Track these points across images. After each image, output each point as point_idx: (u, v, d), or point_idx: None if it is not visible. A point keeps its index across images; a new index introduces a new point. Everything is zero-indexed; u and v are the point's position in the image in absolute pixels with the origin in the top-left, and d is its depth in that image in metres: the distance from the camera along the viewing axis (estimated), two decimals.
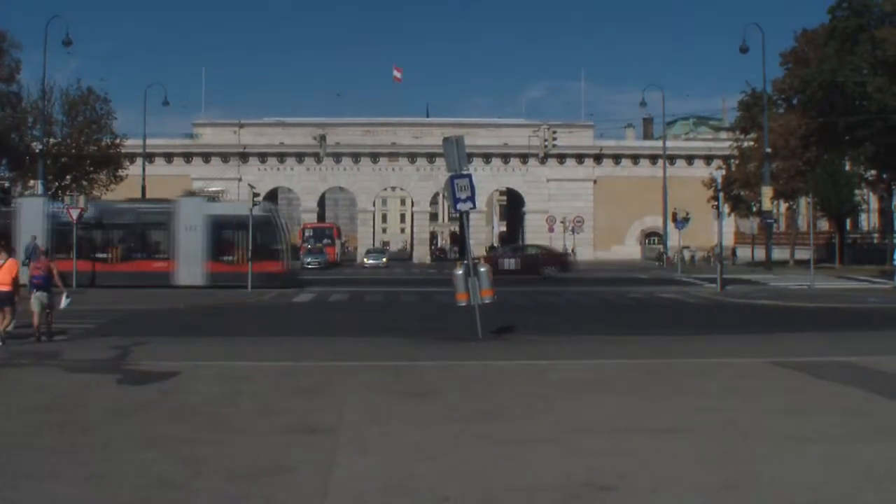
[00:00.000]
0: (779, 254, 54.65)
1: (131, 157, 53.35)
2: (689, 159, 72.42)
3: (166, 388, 11.26)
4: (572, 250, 55.66)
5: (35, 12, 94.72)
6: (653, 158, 70.13)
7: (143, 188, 52.55)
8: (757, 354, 14.11)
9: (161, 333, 18.29)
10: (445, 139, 17.86)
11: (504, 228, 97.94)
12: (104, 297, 26.73)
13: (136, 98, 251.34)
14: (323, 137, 67.78)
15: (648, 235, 73.00)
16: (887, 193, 55.81)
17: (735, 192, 52.48)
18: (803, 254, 47.11)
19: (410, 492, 6.60)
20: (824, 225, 59.76)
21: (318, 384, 11.41)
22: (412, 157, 72.48)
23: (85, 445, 8.07)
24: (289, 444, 8.05)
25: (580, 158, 72.69)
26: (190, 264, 32.40)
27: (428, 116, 79.60)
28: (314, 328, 20.34)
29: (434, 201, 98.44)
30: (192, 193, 37.80)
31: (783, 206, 62.61)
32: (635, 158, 73.37)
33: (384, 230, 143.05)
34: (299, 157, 71.58)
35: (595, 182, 72.82)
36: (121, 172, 50.24)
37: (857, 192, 52.44)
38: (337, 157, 71.50)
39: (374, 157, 72.58)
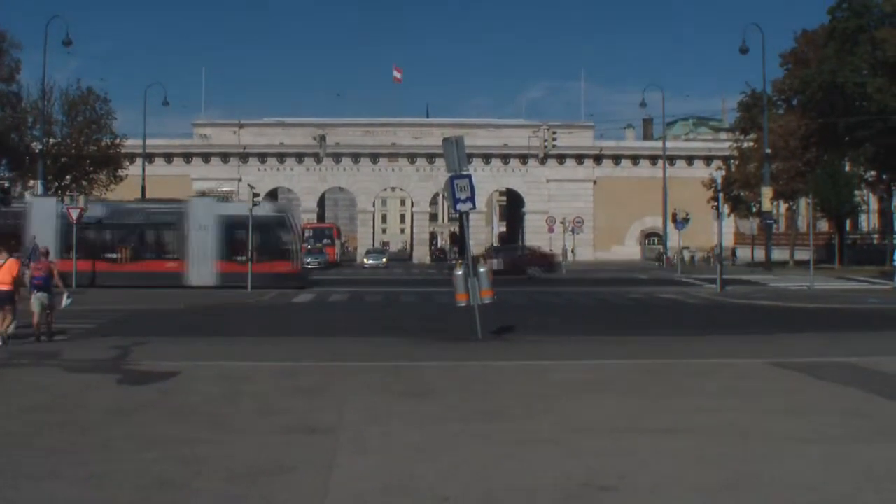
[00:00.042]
0: (778, 254, 54.65)
1: (131, 157, 53.40)
2: (689, 160, 72.45)
3: (166, 388, 11.26)
4: (572, 251, 55.71)
5: (35, 12, 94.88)
6: (653, 159, 70.15)
7: (143, 188, 52.58)
8: (757, 355, 14.11)
9: (161, 333, 18.29)
10: (445, 139, 17.86)
11: (504, 229, 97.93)
12: (104, 297, 26.73)
13: (136, 98, 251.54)
14: (323, 138, 67.81)
15: (648, 236, 73.03)
16: (887, 194, 55.82)
17: (735, 193, 52.51)
18: (803, 254, 47.13)
19: (410, 492, 6.60)
20: (824, 226, 59.79)
21: (318, 384, 11.41)
22: (412, 157, 72.50)
23: (85, 445, 8.07)
24: (289, 444, 8.05)
25: (580, 159, 72.70)
26: (201, 264, 32.41)
27: (428, 117, 79.65)
28: (314, 328, 20.34)
29: (434, 202, 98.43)
30: (203, 194, 37.75)
31: (783, 206, 62.64)
32: (635, 159, 73.38)
33: (384, 230, 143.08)
34: (299, 157, 71.60)
35: (595, 182, 72.84)
36: (120, 172, 50.29)
37: (856, 192, 52.47)
38: (337, 157, 71.51)
39: (374, 157, 72.59)
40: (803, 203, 52.16)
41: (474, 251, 65.07)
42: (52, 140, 45.87)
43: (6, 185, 45.14)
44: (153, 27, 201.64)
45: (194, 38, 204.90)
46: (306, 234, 64.20)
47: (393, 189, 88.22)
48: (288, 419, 9.18)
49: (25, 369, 13.19)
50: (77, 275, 31.49)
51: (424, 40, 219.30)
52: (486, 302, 16.88)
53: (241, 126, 72.74)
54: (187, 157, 71.38)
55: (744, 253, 62.49)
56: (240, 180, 67.21)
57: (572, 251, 55.99)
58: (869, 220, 70.18)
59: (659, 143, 66.71)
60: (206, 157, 71.35)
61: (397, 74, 76.99)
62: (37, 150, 43.26)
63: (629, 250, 71.10)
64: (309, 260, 53.48)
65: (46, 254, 18.42)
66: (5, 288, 16.00)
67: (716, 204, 37.80)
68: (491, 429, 8.72)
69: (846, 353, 14.17)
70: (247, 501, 6.38)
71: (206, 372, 12.46)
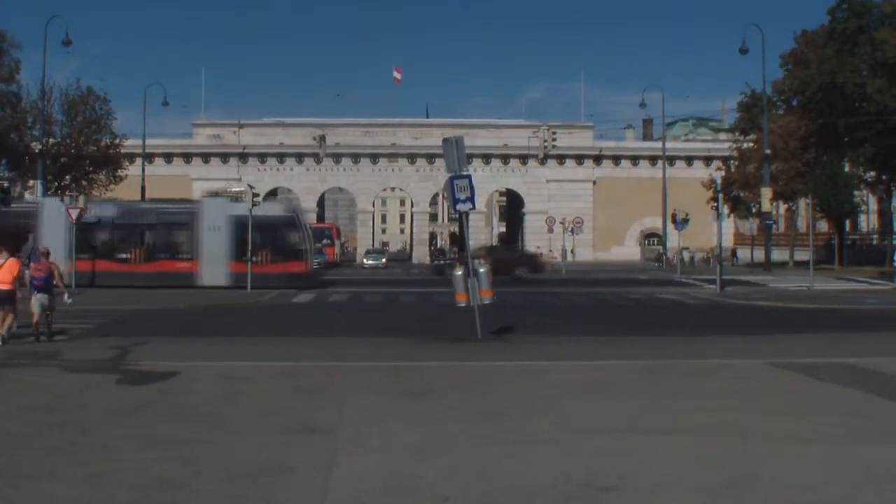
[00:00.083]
0: (778, 255, 54.68)
1: (131, 158, 53.42)
2: (689, 160, 72.46)
3: (166, 388, 11.26)
4: (571, 251, 55.69)
5: (35, 12, 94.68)
6: (652, 159, 70.16)
7: (143, 188, 52.61)
8: (756, 355, 14.11)
9: (161, 333, 18.30)
10: (445, 140, 17.87)
11: (504, 229, 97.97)
12: (104, 297, 26.73)
13: (135, 98, 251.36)
14: (322, 138, 67.81)
15: (648, 236, 73.06)
16: (886, 195, 55.84)
17: (734, 194, 52.54)
18: (803, 255, 47.17)
19: (410, 492, 6.60)
20: (824, 226, 59.82)
21: (317, 384, 11.41)
22: (412, 157, 72.51)
23: (85, 445, 8.07)
24: (289, 445, 8.05)
25: (580, 159, 72.72)
26: (213, 265, 32.36)
27: (428, 117, 79.65)
28: (314, 328, 20.34)
29: (434, 202, 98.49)
30: (215, 194, 37.75)
31: (783, 207, 62.69)
32: (635, 159, 73.40)
33: (384, 231, 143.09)
34: (299, 157, 71.60)
35: (595, 183, 72.86)
36: (120, 172, 50.28)
37: (856, 193, 52.52)
38: (336, 157, 71.51)
39: (374, 157, 72.60)
40: (803, 204, 52.21)
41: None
42: (51, 140, 45.87)
43: (6, 185, 45.22)
44: (153, 27, 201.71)
45: (194, 38, 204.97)
46: None
47: (393, 189, 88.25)
48: (288, 419, 9.18)
49: (25, 369, 13.19)
50: (88, 275, 31.58)
51: (424, 40, 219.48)
52: (486, 302, 16.88)
53: (240, 126, 72.77)
54: (187, 157, 71.40)
55: (743, 253, 62.54)
56: (239, 180, 67.18)
57: (572, 252, 55.96)
58: (868, 221, 70.21)
59: (659, 144, 66.74)
60: (206, 157, 71.38)
61: (397, 75, 77.07)
62: (36, 150, 43.26)
63: (629, 251, 71.13)
64: None
65: (47, 254, 18.40)
66: (6, 287, 16.03)
67: (715, 204, 37.83)
68: (491, 429, 8.72)
69: (846, 354, 14.17)
70: (247, 501, 6.38)
71: (205, 372, 12.46)
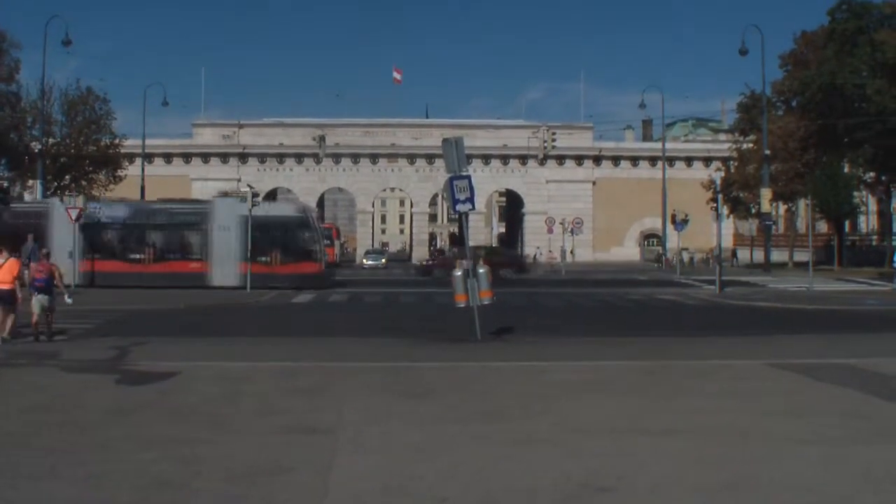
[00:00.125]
0: (777, 256, 54.68)
1: (130, 158, 53.34)
2: (689, 161, 72.47)
3: (165, 388, 11.26)
4: (571, 252, 55.72)
5: (34, 12, 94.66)
6: (652, 160, 70.17)
7: (143, 188, 52.60)
8: (756, 356, 14.12)
9: (160, 334, 18.29)
10: (445, 140, 17.87)
11: (503, 230, 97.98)
12: (105, 297, 26.72)
13: (135, 98, 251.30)
14: (322, 138, 67.78)
15: (647, 237, 73.07)
16: (886, 195, 55.87)
17: (734, 194, 52.52)
18: (802, 256, 47.16)
19: (410, 492, 6.61)
20: (823, 227, 59.82)
21: (317, 384, 11.41)
22: (411, 157, 72.50)
23: (84, 445, 8.07)
24: (288, 445, 8.06)
25: (579, 160, 72.72)
26: (224, 265, 32.22)
27: (427, 117, 79.68)
28: (313, 329, 20.34)
29: (433, 202, 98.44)
30: (225, 194, 37.69)
31: (782, 208, 62.70)
32: (634, 160, 73.41)
33: (383, 231, 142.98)
34: (298, 157, 71.59)
35: (594, 183, 72.86)
36: (120, 172, 50.21)
37: (855, 194, 52.54)
38: (336, 157, 71.50)
39: (374, 157, 72.60)
40: (802, 204, 52.25)
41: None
42: (51, 140, 45.81)
43: (5, 184, 45.34)
44: (153, 27, 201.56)
45: (194, 38, 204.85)
46: None
47: (392, 190, 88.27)
48: (287, 419, 9.19)
49: (24, 369, 13.19)
50: (98, 275, 31.57)
51: (424, 40, 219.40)
52: (485, 303, 16.89)
53: (240, 126, 72.78)
54: (186, 157, 71.40)
55: (743, 254, 62.55)
56: (239, 181, 67.23)
57: (571, 252, 55.98)
58: (868, 222, 70.25)
59: (658, 145, 66.77)
60: (206, 157, 71.38)
61: (397, 75, 77.06)
62: (36, 150, 43.22)
63: (628, 251, 71.13)
64: None
65: (48, 255, 18.40)
66: (6, 287, 16.06)
67: (715, 205, 37.82)
68: (490, 429, 8.72)
69: (845, 355, 14.17)
70: (246, 501, 6.39)
71: (205, 372, 12.46)
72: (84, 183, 48.09)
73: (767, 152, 46.48)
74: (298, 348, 15.89)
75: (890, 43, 43.13)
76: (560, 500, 6.41)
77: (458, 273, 17.00)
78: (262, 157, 71.79)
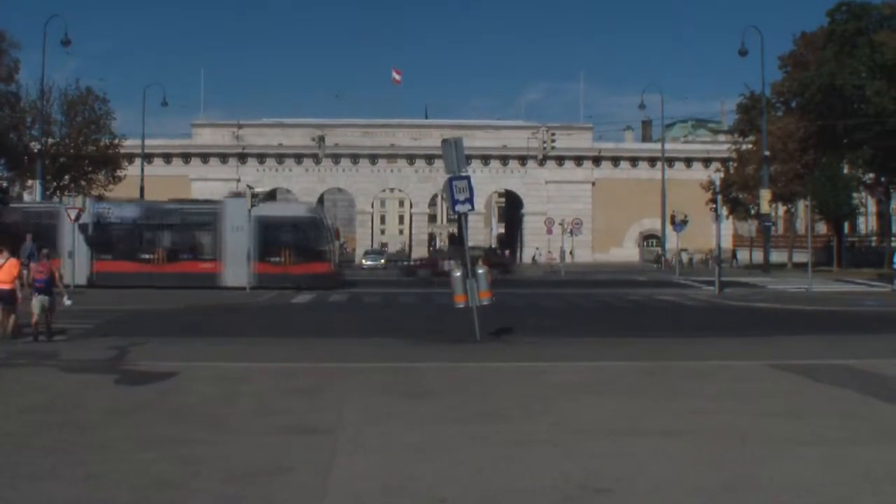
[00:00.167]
0: (777, 257, 54.71)
1: (130, 158, 53.36)
2: (688, 162, 72.50)
3: (165, 388, 11.26)
4: (570, 252, 55.75)
5: (34, 12, 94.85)
6: (651, 161, 70.21)
7: (142, 188, 52.61)
8: (755, 357, 14.13)
9: (160, 334, 18.29)
10: (444, 141, 17.86)
11: (503, 230, 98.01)
12: (105, 297, 26.73)
13: (135, 98, 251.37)
14: (322, 138, 67.79)
15: (647, 238, 73.10)
16: (885, 197, 55.90)
17: (733, 195, 52.56)
18: (801, 257, 47.20)
19: (409, 493, 6.61)
20: (822, 228, 59.89)
21: (317, 385, 11.41)
22: (411, 158, 72.51)
23: (83, 445, 8.07)
24: (287, 445, 8.06)
25: (579, 160, 72.75)
26: (236, 265, 32.10)
27: (427, 118, 79.71)
28: (313, 329, 20.34)
29: (432, 203, 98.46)
30: (238, 194, 37.72)
31: (781, 209, 62.75)
32: (634, 161, 73.45)
33: (382, 231, 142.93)
34: (298, 158, 71.60)
35: (593, 184, 72.89)
36: (119, 173, 50.27)
37: (855, 195, 52.54)
38: (335, 158, 71.50)
39: (373, 158, 72.61)
40: (802, 205, 52.26)
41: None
42: (50, 140, 45.83)
43: (4, 184, 45.34)
44: (153, 27, 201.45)
45: (194, 38, 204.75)
46: None
47: (392, 190, 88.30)
48: (287, 419, 9.19)
49: (24, 369, 13.19)
50: (109, 275, 31.56)
51: (424, 41, 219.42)
52: (485, 303, 16.88)
53: (239, 126, 72.78)
54: (186, 157, 71.42)
55: (742, 255, 62.58)
56: (238, 181, 67.27)
57: (571, 253, 56.03)
58: (867, 223, 70.34)
59: (658, 145, 66.82)
60: (205, 157, 71.41)
61: (396, 76, 77.04)
62: (35, 150, 43.22)
63: (627, 252, 71.15)
64: None
65: (48, 255, 18.41)
66: (7, 287, 16.08)
67: (714, 206, 37.84)
68: (489, 430, 8.72)
69: (844, 356, 14.18)
70: (245, 502, 6.39)
71: (204, 372, 12.46)
72: (83, 183, 48.13)
73: (767, 153, 46.50)
74: (298, 348, 15.90)
75: (889, 44, 43.17)
76: (559, 500, 6.41)
77: (458, 274, 17.00)
78: (261, 158, 71.79)
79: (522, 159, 72.08)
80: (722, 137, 77.92)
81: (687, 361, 13.90)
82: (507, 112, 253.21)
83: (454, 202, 17.31)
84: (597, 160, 73.04)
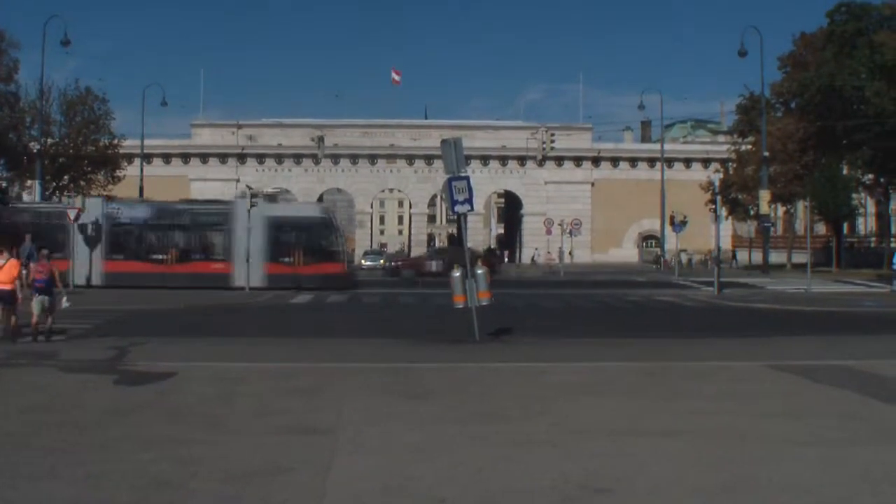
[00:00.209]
0: (776, 257, 54.73)
1: (129, 158, 53.34)
2: (687, 162, 72.53)
3: (163, 388, 11.26)
4: (569, 253, 55.75)
5: (34, 12, 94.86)
6: (651, 161, 70.25)
7: (141, 189, 52.61)
8: (754, 358, 14.13)
9: (159, 334, 18.28)
10: (443, 141, 17.86)
11: (502, 231, 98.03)
12: (105, 297, 26.75)
13: (134, 98, 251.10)
14: (321, 139, 67.75)
15: (646, 238, 73.15)
16: (884, 197, 55.94)
17: (733, 196, 52.59)
18: (801, 257, 47.22)
19: (408, 493, 6.61)
20: (822, 229, 59.91)
21: (316, 385, 11.41)
22: (410, 158, 72.52)
23: (82, 445, 8.08)
24: (286, 445, 8.06)
25: (578, 161, 72.77)
26: (249, 266, 32.01)
27: (426, 118, 79.75)
28: (313, 329, 20.34)
29: (432, 203, 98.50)
30: (253, 194, 37.70)
31: (781, 209, 62.76)
32: (633, 161, 73.47)
33: (382, 232, 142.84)
34: (297, 158, 71.60)
35: (593, 185, 72.92)
36: (118, 173, 50.25)
37: (854, 196, 52.55)
38: (335, 158, 71.50)
39: (372, 158, 72.62)
40: (801, 206, 52.29)
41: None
42: (49, 140, 45.80)
43: (4, 184, 45.33)
44: (152, 27, 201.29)
45: (194, 38, 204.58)
46: None
47: (391, 190, 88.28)
48: (286, 420, 9.19)
49: (23, 369, 13.19)
50: (121, 276, 31.57)
51: (423, 41, 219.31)
52: (484, 304, 16.89)
53: (239, 127, 72.80)
54: (185, 157, 71.43)
55: (741, 256, 62.61)
56: (238, 181, 67.31)
57: (570, 253, 56.03)
58: (866, 224, 70.38)
59: (657, 146, 66.87)
60: (204, 157, 71.43)
61: (396, 76, 77.05)
62: (35, 150, 43.22)
63: (627, 253, 71.17)
64: None
65: (48, 255, 18.41)
66: (7, 288, 16.09)
67: (713, 207, 37.87)
68: (488, 430, 8.73)
69: (843, 357, 14.19)
70: (244, 502, 6.39)
71: (203, 373, 12.46)
72: (82, 183, 48.11)
73: (766, 154, 46.52)
74: (297, 349, 15.90)
75: (889, 45, 43.17)
76: (559, 501, 6.41)
77: (457, 274, 17.00)
78: (260, 158, 71.81)
79: (522, 160, 72.10)
80: (721, 138, 78.00)
81: (686, 362, 13.90)
82: (506, 112, 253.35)
83: (453, 202, 17.31)
84: (596, 161, 73.06)
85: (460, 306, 16.96)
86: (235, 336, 18.41)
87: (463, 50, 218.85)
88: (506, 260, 68.00)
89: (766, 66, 69.75)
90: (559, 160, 71.62)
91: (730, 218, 57.55)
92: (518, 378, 12.43)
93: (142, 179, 53.82)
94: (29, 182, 47.30)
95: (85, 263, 31.74)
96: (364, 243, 76.06)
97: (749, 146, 53.14)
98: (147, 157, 60.26)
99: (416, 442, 8.22)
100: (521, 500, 6.50)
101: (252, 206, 31.57)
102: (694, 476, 7.06)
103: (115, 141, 49.45)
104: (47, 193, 43.51)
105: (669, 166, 66.48)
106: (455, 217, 19.82)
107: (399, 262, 50.19)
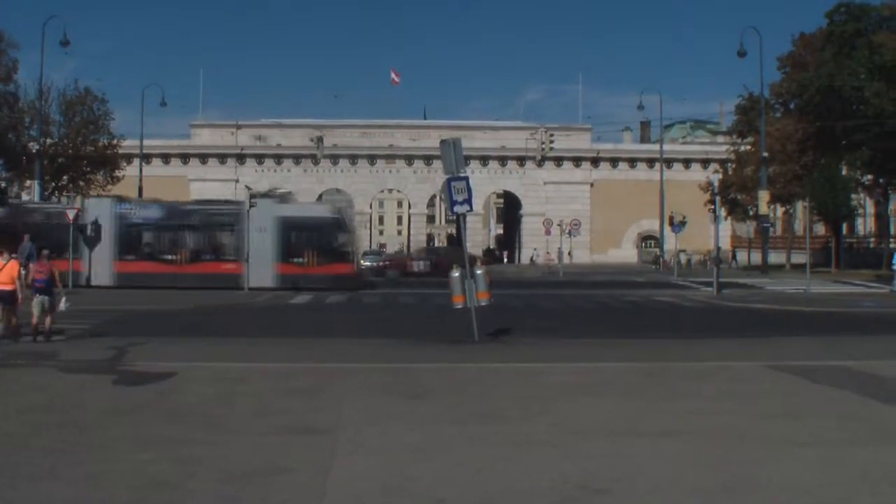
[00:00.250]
0: (775, 258, 54.75)
1: (128, 158, 53.31)
2: (686, 163, 72.49)
3: (163, 388, 11.26)
4: (569, 253, 55.75)
5: (33, 12, 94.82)
6: (650, 162, 70.24)
7: (140, 189, 52.56)
8: (753, 358, 14.14)
9: (159, 334, 18.27)
10: (443, 141, 17.86)
11: (501, 231, 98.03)
12: (104, 298, 26.75)
13: (133, 98, 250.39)
14: (320, 139, 67.74)
15: (645, 239, 73.14)
16: (883, 198, 55.96)
17: (732, 196, 52.60)
18: (800, 258, 47.24)
19: (408, 493, 6.62)
20: (821, 229, 59.90)
21: (316, 385, 11.42)
22: (409, 159, 72.50)
23: (82, 446, 8.08)
24: (286, 445, 8.06)
25: (577, 161, 72.74)
26: (259, 266, 31.90)
27: (425, 118, 79.74)
28: (312, 329, 20.34)
29: (431, 203, 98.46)
30: (265, 195, 37.64)
31: (780, 210, 62.77)
32: (632, 162, 73.44)
33: (381, 232, 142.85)
34: (296, 158, 71.54)
35: (592, 185, 72.89)
36: (118, 173, 50.22)
37: (853, 196, 52.56)
38: (334, 158, 71.46)
39: (372, 159, 72.59)
40: (800, 207, 52.33)
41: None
42: (49, 140, 45.78)
43: (3, 185, 45.29)
44: (152, 27, 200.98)
45: (193, 38, 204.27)
46: None
47: (390, 191, 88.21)
48: (285, 420, 9.20)
49: (23, 369, 13.19)
50: (132, 276, 31.57)
51: (423, 41, 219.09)
52: (483, 304, 16.89)
53: (238, 127, 72.76)
54: (184, 157, 71.36)
55: (741, 256, 62.62)
56: (237, 181, 67.27)
57: (569, 254, 56.02)
58: (866, 224, 70.38)
59: (656, 146, 66.88)
60: (204, 157, 71.35)
61: (395, 77, 77.05)
62: (34, 151, 43.22)
63: (626, 253, 71.14)
64: None
65: (48, 256, 18.41)
66: (7, 288, 16.09)
67: (713, 207, 37.88)
68: (488, 430, 8.73)
69: (842, 357, 14.21)
70: (243, 502, 6.39)
71: (202, 373, 12.46)
72: (81, 183, 48.11)
73: (765, 154, 46.53)
74: (297, 349, 15.89)
75: (888, 45, 43.18)
76: (558, 501, 6.42)
77: (456, 274, 17.00)
78: (259, 158, 71.76)
79: (521, 160, 72.04)
80: (720, 138, 77.99)
81: (685, 362, 13.92)
82: (505, 113, 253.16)
83: (453, 203, 17.32)
84: (595, 161, 73.03)
85: (459, 307, 16.97)
86: (235, 336, 18.39)
87: (462, 50, 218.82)
88: (505, 260, 67.99)
89: (765, 66, 69.58)
90: (558, 160, 71.59)
91: (729, 218, 57.56)
92: (517, 378, 12.44)
93: (141, 180, 53.78)
94: (28, 182, 47.28)
95: (95, 263, 31.78)
96: (363, 244, 76.00)
97: (748, 147, 53.15)
98: (146, 158, 60.20)
99: (415, 442, 8.23)
100: (520, 500, 6.50)
101: (251, 206, 31.53)
102: (693, 476, 7.07)
103: (115, 141, 49.42)
104: (46, 194, 43.50)
105: (668, 167, 66.47)
106: (454, 217, 19.81)
107: (384, 263, 50.34)
